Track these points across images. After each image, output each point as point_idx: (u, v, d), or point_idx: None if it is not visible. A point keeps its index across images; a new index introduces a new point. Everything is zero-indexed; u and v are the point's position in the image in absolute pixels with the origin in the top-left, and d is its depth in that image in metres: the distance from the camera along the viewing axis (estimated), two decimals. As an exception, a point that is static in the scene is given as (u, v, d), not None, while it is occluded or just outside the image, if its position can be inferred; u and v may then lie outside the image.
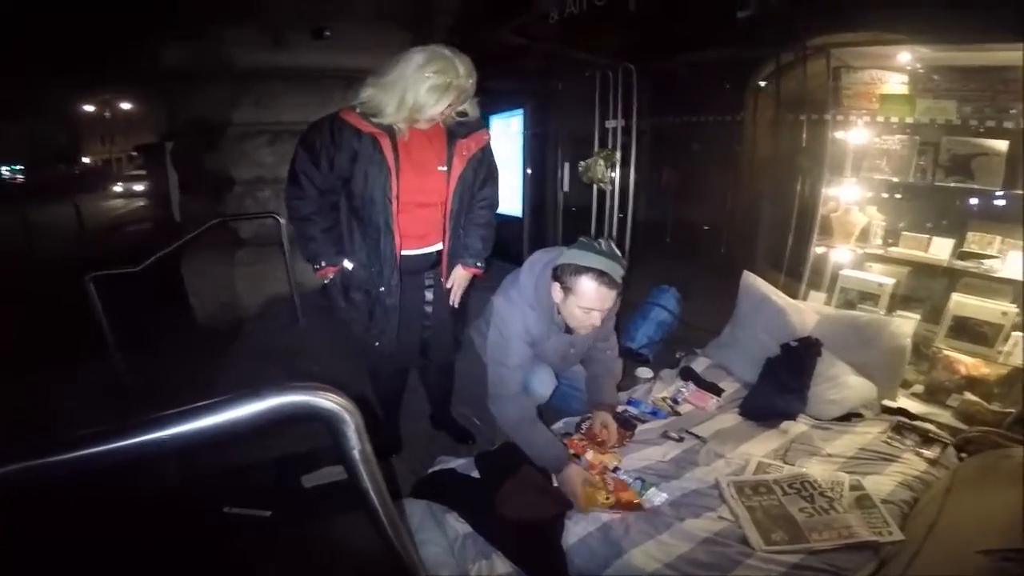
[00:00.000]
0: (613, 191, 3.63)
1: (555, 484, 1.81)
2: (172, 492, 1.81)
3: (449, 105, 1.81)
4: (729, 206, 3.66)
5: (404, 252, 1.95)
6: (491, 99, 4.93)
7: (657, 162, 4.01)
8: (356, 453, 0.69)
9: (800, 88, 2.91)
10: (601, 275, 1.72)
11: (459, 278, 2.09)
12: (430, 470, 1.88)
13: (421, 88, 1.76)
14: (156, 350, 2.77)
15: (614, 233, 3.71)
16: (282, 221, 3.14)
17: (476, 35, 3.91)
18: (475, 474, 1.84)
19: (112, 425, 0.60)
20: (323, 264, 1.96)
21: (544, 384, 2.13)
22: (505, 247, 5.07)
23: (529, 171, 4.77)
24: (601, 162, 3.48)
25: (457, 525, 1.61)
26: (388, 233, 1.89)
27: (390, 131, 1.83)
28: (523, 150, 4.84)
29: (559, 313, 1.88)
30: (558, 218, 4.41)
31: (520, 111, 4.78)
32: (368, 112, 1.82)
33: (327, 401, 0.66)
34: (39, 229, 8.36)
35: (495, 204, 2.15)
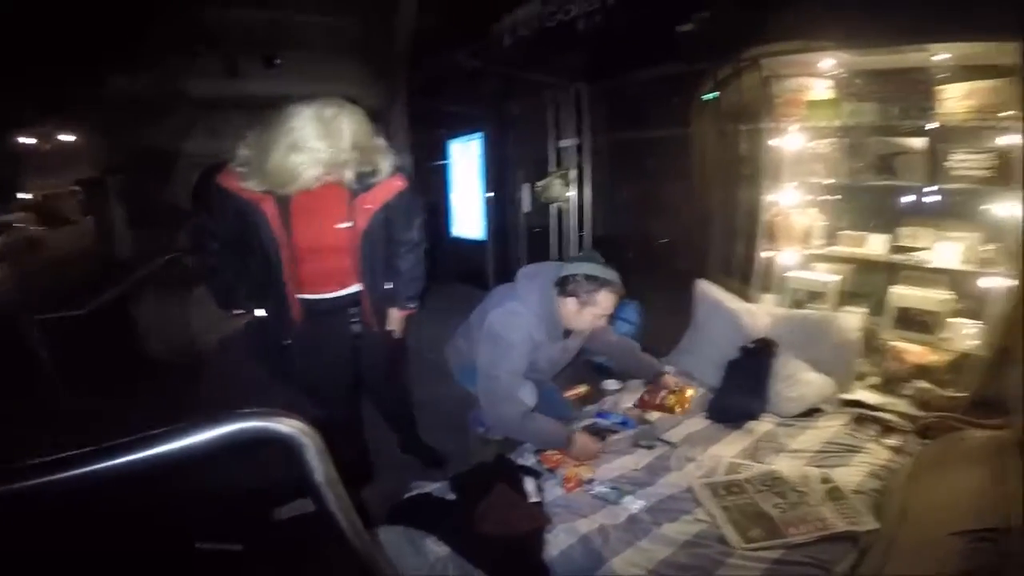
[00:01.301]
0: (571, 209, 3.71)
1: (534, 500, 1.79)
2: (138, 527, 1.70)
3: (323, 175, 1.72)
4: (682, 219, 3.78)
5: (315, 297, 1.91)
6: (450, 123, 5.03)
7: (613, 179, 4.12)
8: (319, 476, 0.70)
9: (738, 100, 3.06)
10: (614, 286, 2.00)
11: (396, 322, 2.09)
12: (405, 496, 1.83)
13: (290, 157, 1.66)
14: (106, 393, 2.60)
15: (575, 252, 3.78)
16: None
17: (433, 61, 3.97)
18: (451, 496, 1.80)
19: (70, 453, 0.61)
20: (236, 311, 1.92)
21: (528, 397, 2.17)
22: (470, 271, 5.12)
23: (491, 194, 4.82)
24: (557, 181, 3.56)
25: (436, 548, 1.57)
26: (283, 290, 1.83)
27: (275, 194, 1.73)
28: (483, 173, 4.89)
29: (562, 323, 2.06)
30: (520, 240, 4.45)
31: (479, 134, 4.85)
32: (249, 179, 1.72)
33: (284, 426, 0.67)
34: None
35: (420, 245, 2.09)
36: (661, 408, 2.24)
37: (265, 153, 1.66)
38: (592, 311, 2.01)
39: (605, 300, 2.00)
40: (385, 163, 1.86)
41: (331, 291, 1.94)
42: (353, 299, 1.99)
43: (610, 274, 2.00)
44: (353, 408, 2.20)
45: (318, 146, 1.67)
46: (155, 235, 3.54)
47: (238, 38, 3.38)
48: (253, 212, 1.74)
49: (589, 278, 1.99)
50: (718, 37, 2.74)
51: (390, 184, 1.90)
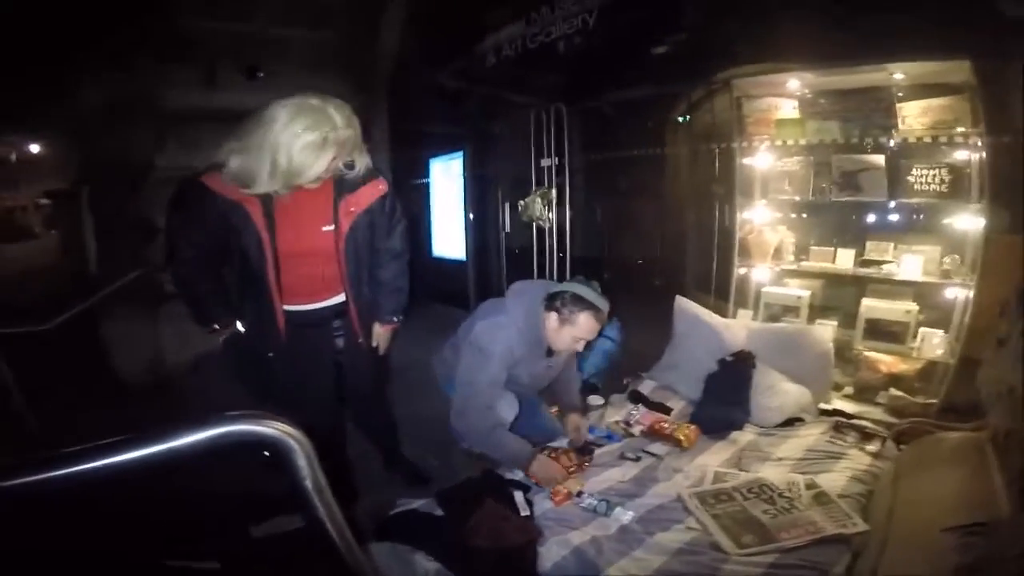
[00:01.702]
0: (551, 229, 3.75)
1: (524, 513, 1.76)
2: (109, 542, 1.60)
3: (333, 159, 1.66)
4: (659, 237, 3.87)
5: (298, 308, 1.85)
6: (432, 142, 5.06)
7: (592, 199, 4.20)
8: (308, 483, 0.69)
9: (711, 120, 3.19)
10: (598, 311, 2.00)
11: (380, 337, 2.05)
12: (391, 512, 1.77)
13: (294, 148, 1.59)
14: (71, 411, 2.44)
15: (555, 271, 3.81)
16: None
17: (415, 79, 4.00)
18: (438, 512, 1.75)
19: (58, 452, 0.59)
20: (214, 326, 1.83)
21: (508, 409, 2.15)
22: (451, 291, 5.08)
23: (471, 216, 4.83)
24: (538, 200, 3.60)
25: (426, 563, 1.52)
26: (268, 299, 1.77)
27: (263, 194, 1.67)
28: (464, 192, 4.89)
29: (546, 339, 2.05)
30: (502, 259, 4.46)
31: (460, 153, 4.86)
32: (235, 183, 1.63)
33: (274, 430, 0.67)
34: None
35: (402, 253, 2.03)
36: (669, 439, 2.25)
37: (261, 151, 1.59)
38: (571, 331, 2.01)
39: (585, 322, 2.00)
40: (366, 160, 1.82)
41: (314, 302, 1.89)
42: (336, 311, 1.93)
43: (597, 299, 2.00)
44: (337, 425, 2.13)
45: (328, 124, 1.62)
46: (125, 249, 3.41)
47: (216, 49, 3.33)
48: (238, 213, 1.68)
49: (575, 298, 2.00)
50: (692, 59, 2.86)
51: (374, 187, 1.86)
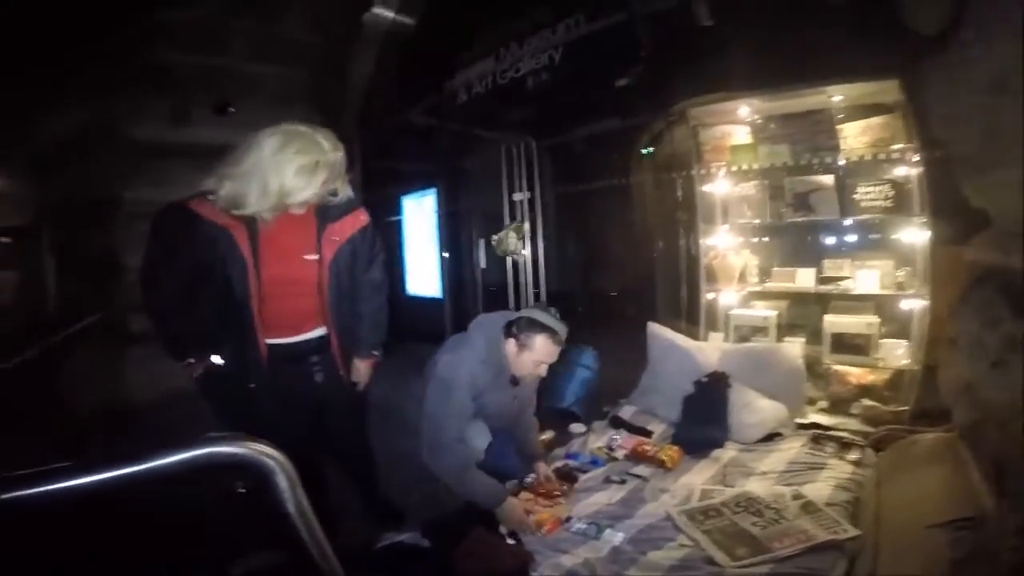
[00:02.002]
0: (526, 263, 3.79)
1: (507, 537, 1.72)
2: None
3: (324, 183, 1.70)
4: (629, 267, 3.96)
5: (278, 341, 1.81)
6: (404, 179, 5.09)
7: (563, 232, 4.29)
8: (291, 507, 0.67)
9: (671, 151, 3.34)
10: (553, 334, 2.00)
11: (361, 373, 2.01)
12: (376, 546, 1.70)
13: (287, 172, 1.63)
14: (34, 450, 2.25)
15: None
16: None
17: (386, 117, 4.06)
18: (425, 543, 1.69)
19: (41, 468, 0.57)
20: (190, 360, 1.77)
21: (479, 436, 2.13)
22: (427, 329, 5.01)
23: (446, 254, 4.84)
24: (512, 234, 3.65)
25: (413, 597, 1.45)
26: (250, 330, 1.74)
27: (248, 221, 1.67)
28: (438, 229, 4.91)
29: (509, 367, 2.04)
30: (477, 295, 4.46)
31: (433, 190, 4.90)
32: (226, 206, 1.65)
33: (256, 453, 0.65)
34: None
35: (382, 286, 2.04)
36: (653, 461, 2.24)
37: (253, 175, 1.61)
38: (530, 355, 2.00)
39: (542, 346, 1.99)
40: (348, 190, 1.84)
41: (295, 335, 1.84)
42: (316, 345, 1.89)
43: (552, 322, 2.01)
44: (316, 461, 2.05)
45: (317, 149, 1.66)
46: (88, 288, 3.25)
47: (186, 83, 3.30)
48: (223, 238, 1.66)
49: (530, 322, 2.01)
50: (650, 91, 3.00)
51: (356, 217, 1.88)
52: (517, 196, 3.69)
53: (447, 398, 1.95)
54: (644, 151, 3.48)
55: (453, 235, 4.83)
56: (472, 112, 3.69)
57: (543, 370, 2.06)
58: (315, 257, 1.80)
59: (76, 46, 2.93)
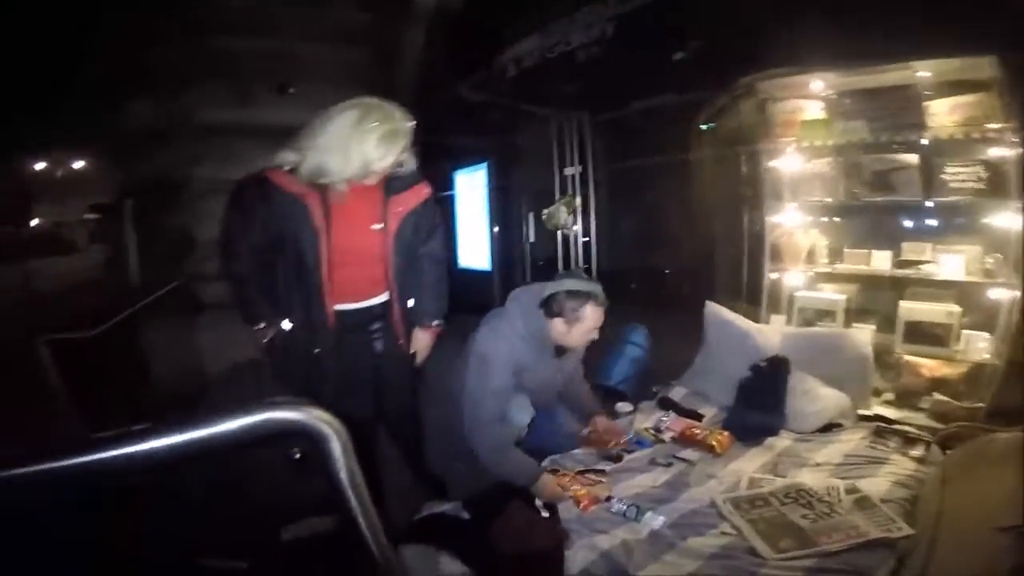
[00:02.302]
0: (576, 238, 3.75)
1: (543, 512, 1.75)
2: (139, 540, 1.64)
3: (402, 150, 1.77)
4: (686, 244, 3.83)
5: (343, 307, 1.88)
6: (456, 155, 5.14)
7: (616, 208, 4.20)
8: (343, 476, 0.67)
9: (736, 125, 3.16)
10: (597, 298, 1.99)
11: (421, 343, 2.06)
12: (417, 516, 1.77)
13: (369, 142, 1.70)
14: (110, 416, 2.53)
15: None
16: None
17: (437, 93, 4.09)
18: (465, 515, 1.75)
19: (101, 435, 0.59)
20: (262, 325, 1.87)
21: (522, 411, 2.12)
22: (476, 301, 5.10)
23: (496, 229, 4.87)
24: (563, 208, 3.62)
25: (451, 566, 1.52)
26: (319, 295, 1.82)
27: (321, 191, 1.75)
28: (488, 203, 4.94)
29: (554, 341, 2.04)
30: (526, 269, 4.48)
31: (484, 165, 4.92)
32: (309, 178, 1.74)
33: (312, 418, 0.65)
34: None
35: (443, 258, 2.10)
36: (702, 445, 2.20)
37: (335, 146, 1.70)
38: (580, 327, 2.00)
39: (592, 314, 1.99)
40: (413, 162, 1.90)
41: (358, 301, 1.92)
42: (377, 312, 1.96)
43: (591, 287, 2.00)
44: (371, 428, 2.16)
45: (393, 119, 1.73)
46: (165, 261, 3.53)
47: (248, 66, 3.46)
48: (298, 208, 1.75)
49: (571, 294, 1.98)
50: (713, 65, 2.85)
51: (419, 190, 1.93)
52: (568, 171, 3.63)
53: (485, 375, 1.96)
54: (704, 126, 3.30)
55: (503, 209, 4.83)
56: (522, 87, 3.63)
57: (595, 335, 2.06)
58: (380, 227, 1.87)
59: (148, 37, 3.11)
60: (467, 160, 5.17)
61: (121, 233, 3.83)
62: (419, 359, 2.07)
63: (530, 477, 1.90)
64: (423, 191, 1.95)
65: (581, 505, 1.80)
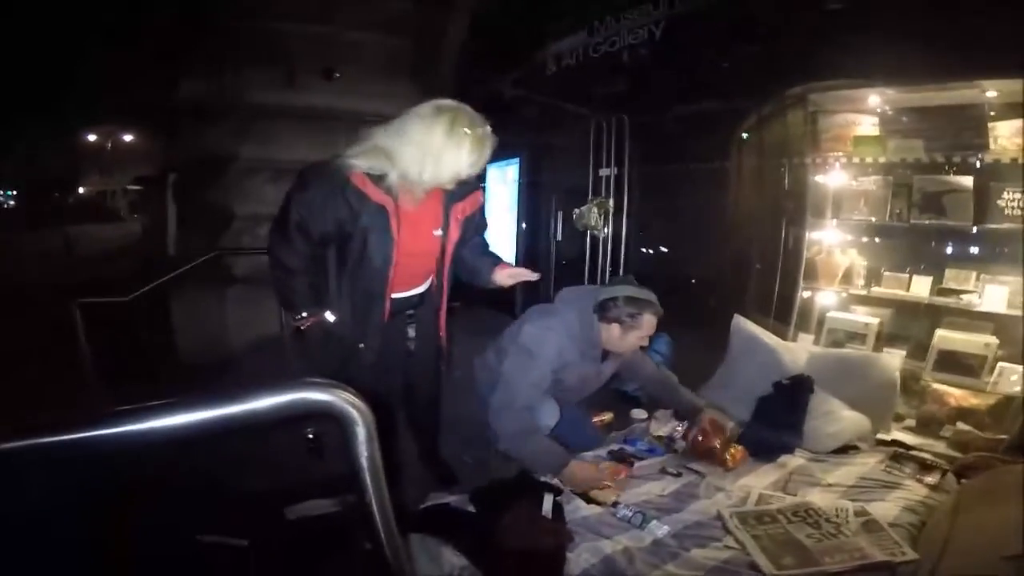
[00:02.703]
0: (605, 240, 3.74)
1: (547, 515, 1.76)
2: (145, 515, 1.73)
3: (489, 154, 1.77)
4: (718, 254, 3.77)
5: (392, 296, 1.93)
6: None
7: (647, 212, 4.16)
8: (364, 460, 0.68)
9: (782, 136, 3.09)
10: (654, 307, 2.04)
11: (505, 274, 2.08)
12: (422, 506, 1.82)
13: (463, 149, 1.69)
14: (136, 379, 2.65)
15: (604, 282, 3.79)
16: None
17: (477, 85, 4.12)
18: (471, 508, 1.79)
19: (132, 406, 0.59)
20: (304, 315, 1.88)
21: (548, 415, 2.17)
22: (497, 296, 5.13)
23: (524, 224, 4.88)
24: (595, 209, 3.61)
25: (453, 559, 1.55)
26: (380, 299, 1.85)
27: (396, 198, 1.76)
28: (517, 198, 4.95)
29: (602, 345, 2.08)
30: (551, 267, 4.48)
31: (516, 160, 4.90)
32: (398, 185, 1.72)
33: (341, 400, 0.65)
34: (26, 256, 8.24)
35: (487, 245, 2.20)
36: (713, 458, 2.18)
37: (426, 152, 1.67)
38: (636, 334, 2.04)
39: (648, 322, 2.03)
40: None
41: (401, 291, 1.96)
42: (414, 301, 2.02)
43: (649, 295, 2.04)
44: (394, 413, 2.23)
45: (479, 123, 1.73)
46: (202, 234, 3.68)
47: (296, 50, 3.56)
48: (378, 215, 1.76)
49: (631, 301, 2.02)
50: (764, 74, 2.79)
51: (476, 197, 1.98)
52: (603, 172, 3.62)
53: (528, 367, 2.00)
54: (746, 135, 3.24)
55: (532, 205, 4.82)
56: (561, 84, 3.62)
57: (645, 341, 2.11)
58: (441, 232, 1.92)
59: (197, 18, 3.21)
60: (499, 154, 5.12)
61: (162, 205, 3.99)
62: (512, 281, 2.10)
63: (558, 464, 1.93)
64: (479, 198, 2.01)
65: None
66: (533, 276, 2.10)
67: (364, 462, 0.67)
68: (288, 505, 1.84)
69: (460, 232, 1.97)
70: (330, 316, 1.90)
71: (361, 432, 0.66)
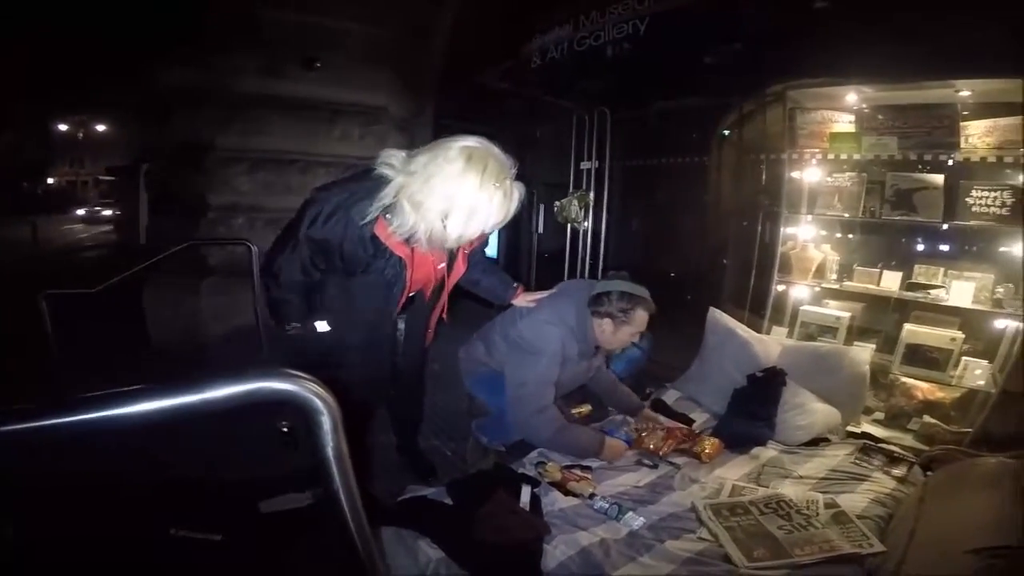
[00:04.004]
0: (585, 233, 3.74)
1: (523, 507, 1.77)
2: (117, 509, 1.69)
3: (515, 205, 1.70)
4: (696, 248, 3.81)
5: None
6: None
7: (628, 208, 4.18)
8: (330, 450, 0.66)
9: (761, 132, 3.12)
10: (648, 304, 2.05)
11: (522, 301, 2.16)
12: (400, 498, 1.81)
13: (494, 206, 1.60)
14: (105, 372, 2.57)
15: (585, 275, 3.80)
16: (254, 249, 2.94)
17: (462, 79, 4.07)
18: (448, 501, 1.78)
19: (86, 395, 0.57)
20: (295, 325, 1.83)
21: None
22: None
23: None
24: (575, 202, 3.61)
25: (429, 551, 1.54)
26: (389, 319, 1.86)
27: (412, 248, 1.71)
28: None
29: (595, 341, 2.09)
30: (532, 260, 4.49)
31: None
32: (425, 244, 1.65)
33: (306, 391, 0.63)
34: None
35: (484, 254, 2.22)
36: (688, 452, 2.21)
37: (456, 207, 1.58)
38: (628, 330, 2.04)
39: (640, 318, 2.04)
40: None
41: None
42: (405, 304, 1.97)
43: (643, 291, 2.05)
44: (373, 406, 2.22)
45: (506, 170, 1.66)
46: (175, 224, 3.59)
47: (278, 39, 3.47)
48: (393, 263, 1.73)
49: (624, 296, 2.02)
50: (746, 71, 2.82)
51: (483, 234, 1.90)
52: (584, 165, 3.62)
53: (536, 364, 2.00)
54: (727, 131, 3.27)
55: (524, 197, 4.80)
56: (546, 78, 3.60)
57: (637, 337, 2.12)
58: (444, 265, 1.91)
59: (180, 4, 3.10)
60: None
61: (135, 195, 3.87)
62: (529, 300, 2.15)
63: (596, 445, 2.02)
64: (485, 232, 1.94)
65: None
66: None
67: (330, 452, 0.66)
68: (263, 499, 1.82)
69: (467, 265, 1.95)
70: (322, 327, 1.86)
71: (326, 422, 0.64)
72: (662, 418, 2.39)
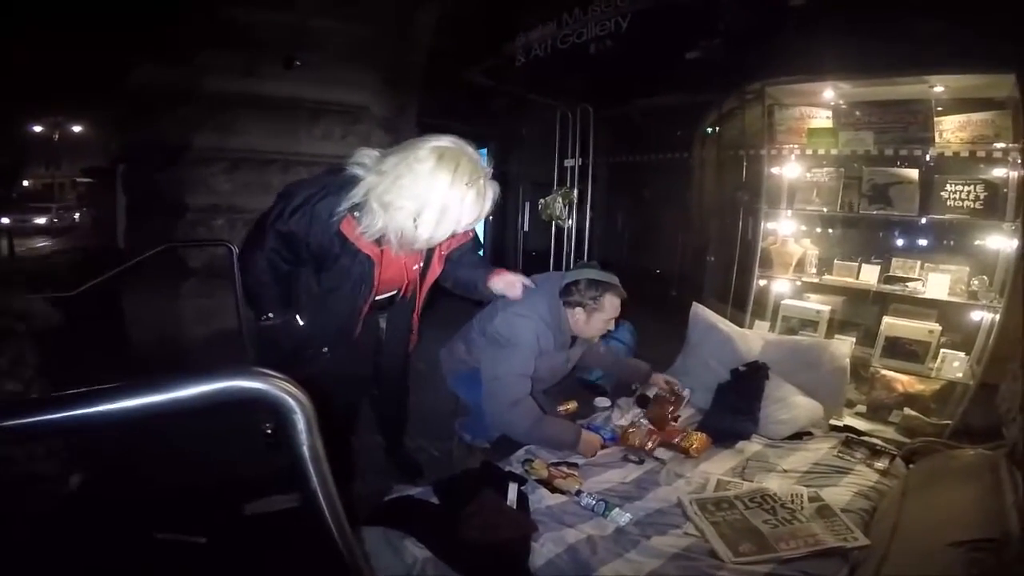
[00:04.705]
0: (570, 230, 3.75)
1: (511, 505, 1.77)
2: (101, 513, 1.66)
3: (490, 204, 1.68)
4: (679, 244, 3.84)
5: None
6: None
7: (613, 203, 4.20)
8: (305, 449, 0.65)
9: (741, 129, 3.16)
10: (616, 289, 2.07)
11: (502, 283, 2.04)
12: (386, 498, 1.79)
13: (466, 204, 1.59)
14: (83, 377, 2.51)
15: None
16: (235, 250, 2.88)
17: (446, 76, 4.04)
18: (434, 500, 1.76)
19: (59, 394, 0.56)
20: (271, 316, 1.80)
21: None
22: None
23: (491, 216, 4.86)
24: (559, 200, 3.61)
25: (415, 550, 1.52)
26: (355, 315, 1.82)
27: (381, 247, 1.70)
28: (485, 189, 4.92)
29: (570, 331, 2.10)
30: (518, 258, 4.48)
31: (483, 150, 4.88)
32: (396, 246, 1.65)
33: (278, 389, 0.62)
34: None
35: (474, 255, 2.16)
36: (676, 447, 2.23)
37: (428, 206, 1.56)
38: (600, 317, 2.06)
39: (611, 304, 2.05)
40: None
41: (378, 294, 1.91)
42: (384, 303, 1.97)
43: (610, 277, 2.07)
44: (357, 404, 2.19)
45: (480, 169, 1.63)
46: (153, 225, 3.52)
47: (256, 38, 3.41)
48: (365, 264, 1.71)
49: (592, 283, 2.04)
50: (725, 68, 2.85)
51: (465, 234, 1.90)
52: (568, 162, 3.62)
53: (510, 358, 2.00)
54: (709, 129, 3.30)
55: (500, 195, 4.80)
56: (529, 75, 3.59)
57: (612, 324, 2.13)
58: (419, 267, 1.89)
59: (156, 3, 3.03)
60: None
61: (112, 197, 3.78)
62: (508, 291, 2.06)
63: (573, 438, 2.03)
64: (469, 234, 1.93)
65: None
66: (529, 283, 2.09)
67: (305, 451, 0.64)
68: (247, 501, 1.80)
69: (443, 265, 1.93)
70: (299, 320, 1.84)
71: (300, 421, 0.63)
72: (674, 380, 2.45)
